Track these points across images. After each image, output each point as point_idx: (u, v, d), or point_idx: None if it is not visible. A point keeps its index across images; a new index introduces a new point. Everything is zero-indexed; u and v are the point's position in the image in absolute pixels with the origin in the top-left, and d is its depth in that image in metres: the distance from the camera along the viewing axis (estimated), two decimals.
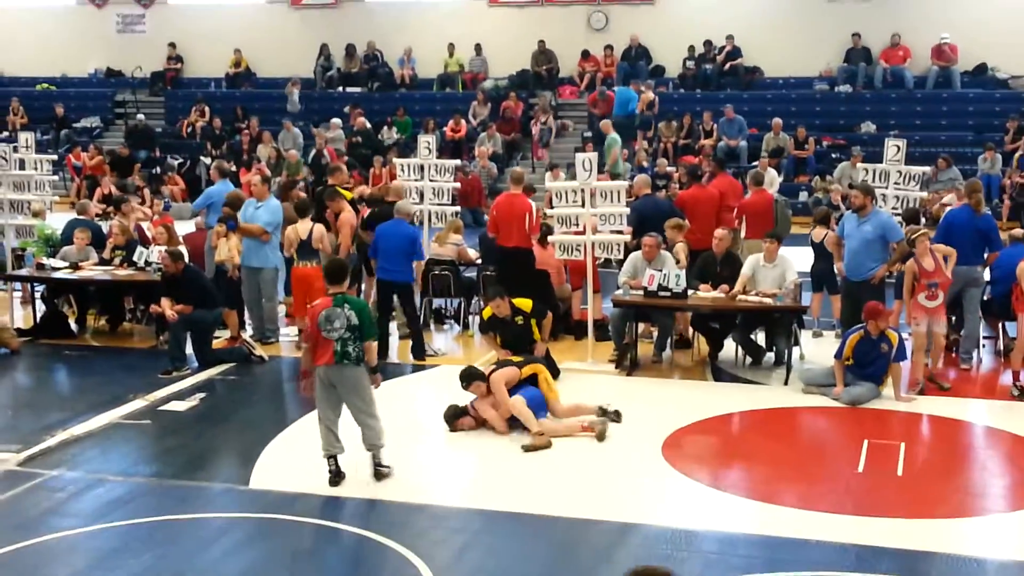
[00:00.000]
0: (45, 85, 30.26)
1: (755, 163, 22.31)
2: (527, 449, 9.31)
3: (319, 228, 12.70)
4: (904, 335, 10.85)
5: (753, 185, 14.18)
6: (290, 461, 9.18)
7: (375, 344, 8.73)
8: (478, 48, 27.98)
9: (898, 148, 13.84)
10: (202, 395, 11.03)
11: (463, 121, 25.72)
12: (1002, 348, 12.22)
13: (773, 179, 21.98)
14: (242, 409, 10.86)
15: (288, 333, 13.30)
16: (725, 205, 14.03)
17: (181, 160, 26.19)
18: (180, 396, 10.97)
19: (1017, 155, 22.33)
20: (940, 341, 11.17)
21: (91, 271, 13.45)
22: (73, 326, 13.76)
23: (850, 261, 11.82)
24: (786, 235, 13.17)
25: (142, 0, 30.41)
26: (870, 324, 10.55)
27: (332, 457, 8.59)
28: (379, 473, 8.66)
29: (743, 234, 13.78)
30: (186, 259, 12.27)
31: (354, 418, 8.63)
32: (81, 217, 14.68)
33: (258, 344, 12.65)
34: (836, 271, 12.76)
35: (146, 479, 8.84)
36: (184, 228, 15.69)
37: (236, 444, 9.84)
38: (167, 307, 11.82)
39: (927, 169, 15.88)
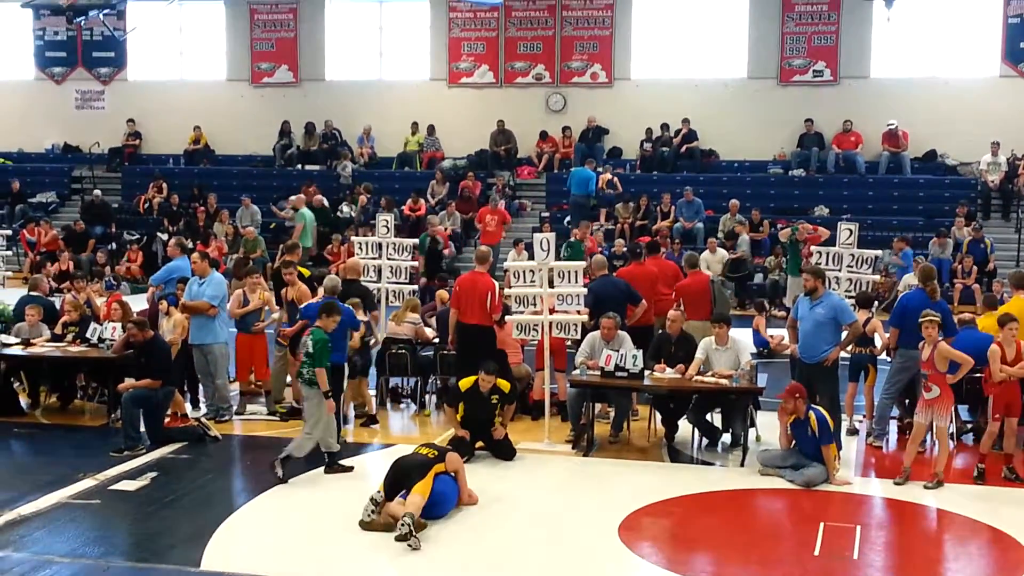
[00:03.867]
0: (1, 160, 30.13)
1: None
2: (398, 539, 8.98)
3: (266, 296, 12.81)
4: (858, 417, 10.90)
5: (689, 267, 14.27)
6: (243, 542, 9.05)
7: (323, 371, 10.52)
8: (431, 129, 28.20)
9: (850, 232, 14.05)
10: (153, 474, 10.86)
11: (422, 200, 25.83)
12: (955, 431, 12.28)
13: (723, 258, 22.27)
14: (194, 489, 10.68)
15: (256, 412, 13.20)
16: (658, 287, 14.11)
17: (138, 236, 26.06)
18: (131, 475, 10.79)
19: (967, 240, 22.74)
20: (940, 433, 10.77)
21: (43, 348, 13.29)
22: (24, 403, 13.55)
23: (803, 343, 11.90)
24: (727, 315, 13.10)
25: (101, 77, 30.47)
26: (787, 404, 10.69)
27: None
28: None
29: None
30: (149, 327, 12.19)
31: None
32: (33, 293, 14.54)
33: (212, 423, 12.52)
34: (791, 353, 12.83)
35: (95, 560, 8.66)
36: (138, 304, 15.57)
37: (188, 524, 9.66)
38: (129, 383, 11.73)
39: (879, 253, 16.13)
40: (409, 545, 8.75)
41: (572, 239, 21.61)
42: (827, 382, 11.67)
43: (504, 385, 11.42)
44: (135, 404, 11.70)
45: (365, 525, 9.19)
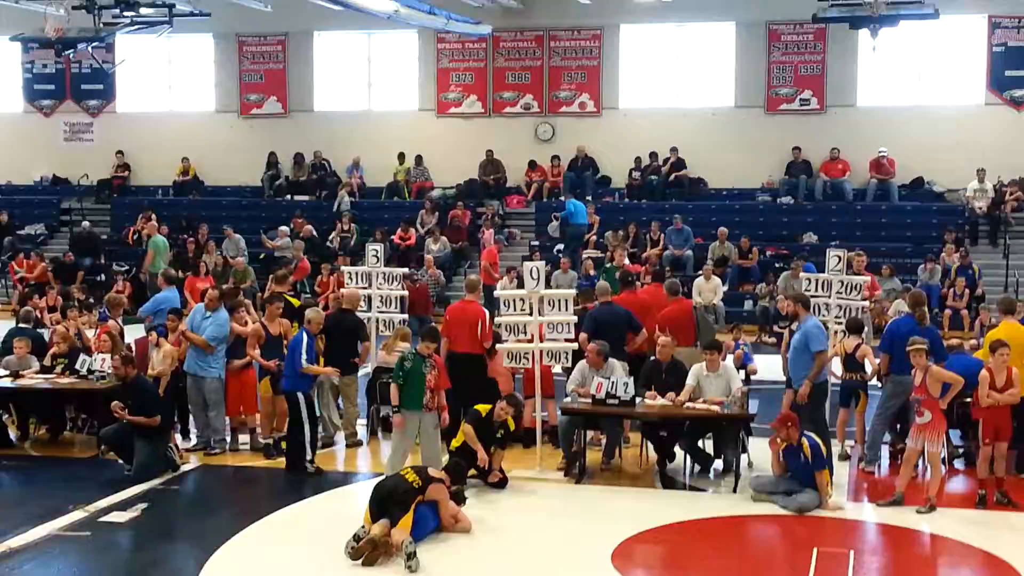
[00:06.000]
0: None
1: (700, 272, 22.67)
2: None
3: (255, 328, 12.76)
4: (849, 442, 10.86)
5: (671, 295, 14.26)
6: (234, 573, 8.98)
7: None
8: (418, 159, 28.26)
9: (839, 258, 14.06)
10: (143, 506, 10.79)
11: (412, 229, 25.85)
12: (946, 456, 12.27)
13: (716, 287, 22.29)
14: (185, 520, 10.65)
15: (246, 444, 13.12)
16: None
17: (126, 267, 25.99)
18: (121, 507, 10.71)
19: (955, 266, 22.84)
20: (932, 458, 10.82)
21: (32, 379, 13.22)
22: (12, 435, 13.45)
23: (789, 369, 12.03)
24: (718, 342, 12.99)
25: (90, 109, 30.50)
26: (780, 432, 10.71)
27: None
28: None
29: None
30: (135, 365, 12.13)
31: None
32: (22, 325, 14.49)
33: (200, 455, 12.45)
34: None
35: None
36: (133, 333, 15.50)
37: (178, 557, 9.63)
38: (117, 409, 11.66)
39: (868, 279, 16.15)
40: (409, 567, 8.77)
41: (608, 264, 21.65)
42: (812, 408, 11.68)
43: (511, 424, 11.52)
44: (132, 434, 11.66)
45: (352, 554, 9.14)
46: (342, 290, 14.63)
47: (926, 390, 10.64)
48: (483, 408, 11.49)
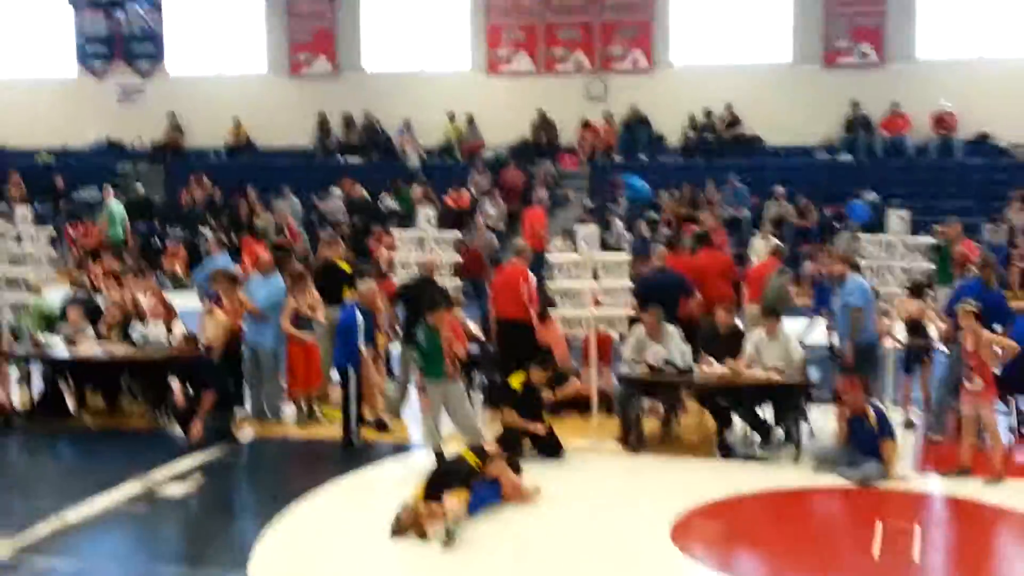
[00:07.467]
0: (45, 154, 30.19)
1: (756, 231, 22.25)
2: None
3: (313, 297, 12.67)
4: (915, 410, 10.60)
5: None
6: (289, 547, 8.95)
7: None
8: (471, 119, 28.01)
9: (902, 219, 13.71)
10: (200, 478, 10.78)
11: (464, 191, 25.61)
12: (1015, 423, 11.97)
13: (776, 246, 21.80)
14: (241, 493, 10.62)
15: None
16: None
17: (181, 233, 26.05)
18: (178, 479, 10.71)
19: (1022, 225, 22.27)
20: (989, 427, 10.43)
21: (89, 349, 13.21)
22: (71, 405, 13.49)
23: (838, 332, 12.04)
24: (776, 308, 12.70)
25: (141, 71, 30.52)
26: (847, 397, 10.49)
27: None
28: None
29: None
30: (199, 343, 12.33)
31: None
32: (76, 292, 14.49)
33: (255, 424, 12.45)
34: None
35: (144, 566, 8.60)
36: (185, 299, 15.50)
37: (235, 529, 9.60)
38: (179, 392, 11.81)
39: (930, 240, 15.73)
40: (444, 542, 8.66)
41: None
42: (862, 373, 11.42)
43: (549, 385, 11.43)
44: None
45: (395, 530, 9.02)
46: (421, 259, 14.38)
47: (977, 355, 10.32)
48: (515, 380, 11.30)
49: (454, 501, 9.02)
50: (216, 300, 13.01)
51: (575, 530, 9.27)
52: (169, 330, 13.10)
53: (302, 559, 8.69)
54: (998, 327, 11.70)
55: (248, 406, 12.98)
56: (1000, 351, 10.54)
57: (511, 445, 10.70)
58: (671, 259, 13.95)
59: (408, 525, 8.97)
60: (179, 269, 23.95)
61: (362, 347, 11.74)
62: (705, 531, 9.46)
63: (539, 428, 11.13)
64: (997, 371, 10.84)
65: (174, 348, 12.70)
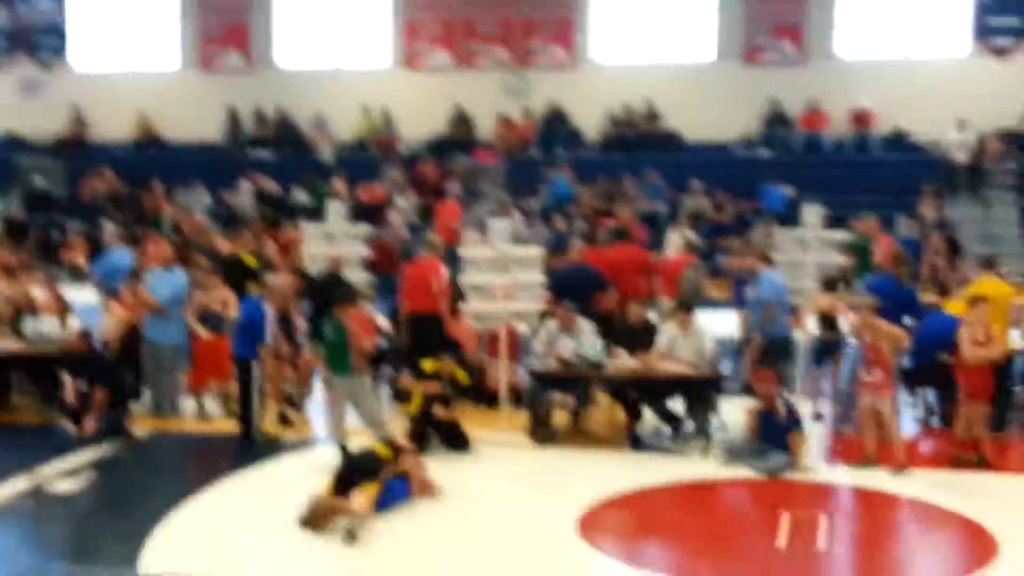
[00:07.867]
0: None
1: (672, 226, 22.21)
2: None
3: (223, 294, 12.31)
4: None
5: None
6: (181, 542, 8.61)
7: None
8: (386, 113, 27.66)
9: (816, 214, 13.73)
10: (89, 474, 10.38)
11: (377, 185, 25.24)
12: (923, 416, 12.01)
13: (691, 240, 21.81)
14: (134, 489, 10.22)
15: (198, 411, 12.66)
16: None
17: (81, 226, 25.30)
18: (68, 475, 10.30)
19: (932, 220, 22.49)
20: (882, 420, 10.36)
21: None
22: None
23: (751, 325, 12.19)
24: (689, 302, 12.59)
25: (43, 63, 29.63)
26: (761, 389, 10.52)
27: None
28: None
29: None
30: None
31: None
32: None
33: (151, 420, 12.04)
34: None
35: (29, 565, 8.23)
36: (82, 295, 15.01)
37: (126, 525, 9.18)
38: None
39: (845, 235, 15.81)
40: (345, 540, 8.37)
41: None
42: (771, 365, 11.48)
43: (463, 377, 11.27)
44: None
45: (305, 523, 8.72)
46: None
47: (875, 347, 10.33)
48: (427, 365, 11.17)
49: (361, 500, 8.76)
50: (114, 294, 12.65)
51: (482, 524, 9.05)
52: (63, 325, 12.66)
53: (195, 555, 8.37)
54: (908, 321, 11.76)
55: (147, 401, 12.55)
56: (903, 343, 10.56)
57: (419, 438, 10.49)
58: (588, 253, 13.84)
59: (319, 516, 8.68)
60: (81, 261, 23.24)
61: (268, 340, 11.44)
62: (612, 523, 9.28)
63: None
64: (905, 364, 10.83)
65: (66, 343, 12.26)
